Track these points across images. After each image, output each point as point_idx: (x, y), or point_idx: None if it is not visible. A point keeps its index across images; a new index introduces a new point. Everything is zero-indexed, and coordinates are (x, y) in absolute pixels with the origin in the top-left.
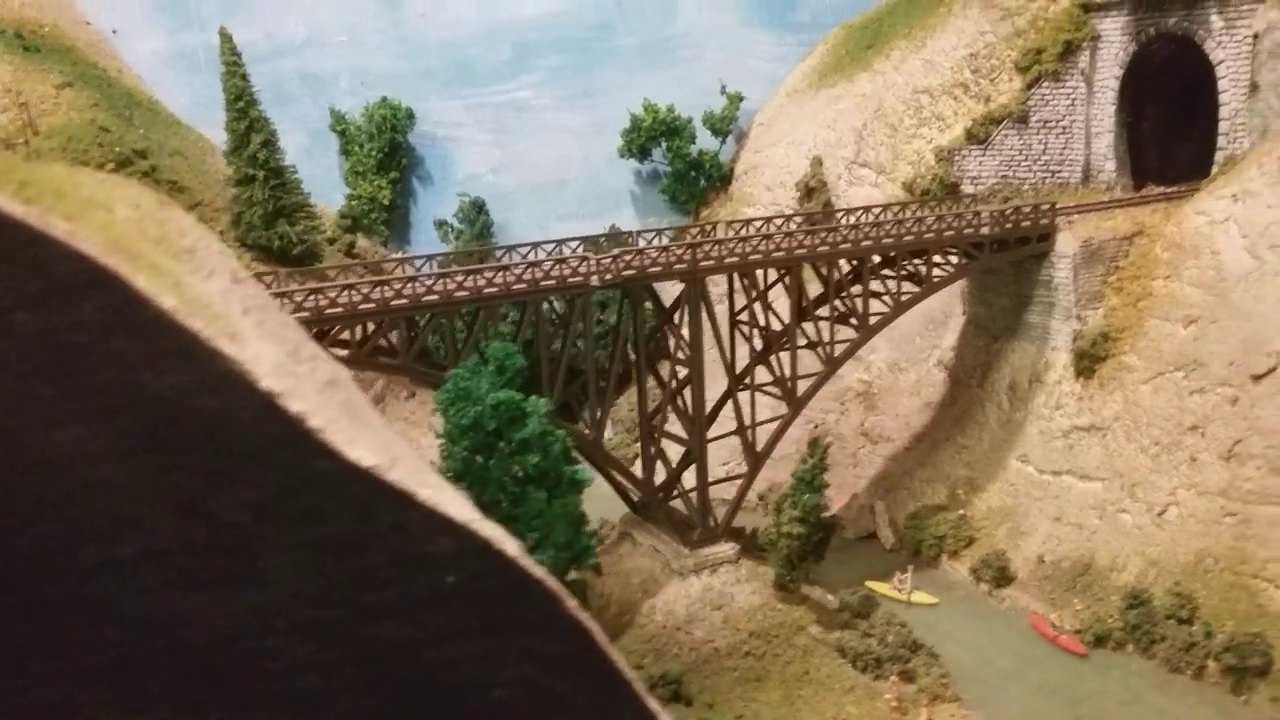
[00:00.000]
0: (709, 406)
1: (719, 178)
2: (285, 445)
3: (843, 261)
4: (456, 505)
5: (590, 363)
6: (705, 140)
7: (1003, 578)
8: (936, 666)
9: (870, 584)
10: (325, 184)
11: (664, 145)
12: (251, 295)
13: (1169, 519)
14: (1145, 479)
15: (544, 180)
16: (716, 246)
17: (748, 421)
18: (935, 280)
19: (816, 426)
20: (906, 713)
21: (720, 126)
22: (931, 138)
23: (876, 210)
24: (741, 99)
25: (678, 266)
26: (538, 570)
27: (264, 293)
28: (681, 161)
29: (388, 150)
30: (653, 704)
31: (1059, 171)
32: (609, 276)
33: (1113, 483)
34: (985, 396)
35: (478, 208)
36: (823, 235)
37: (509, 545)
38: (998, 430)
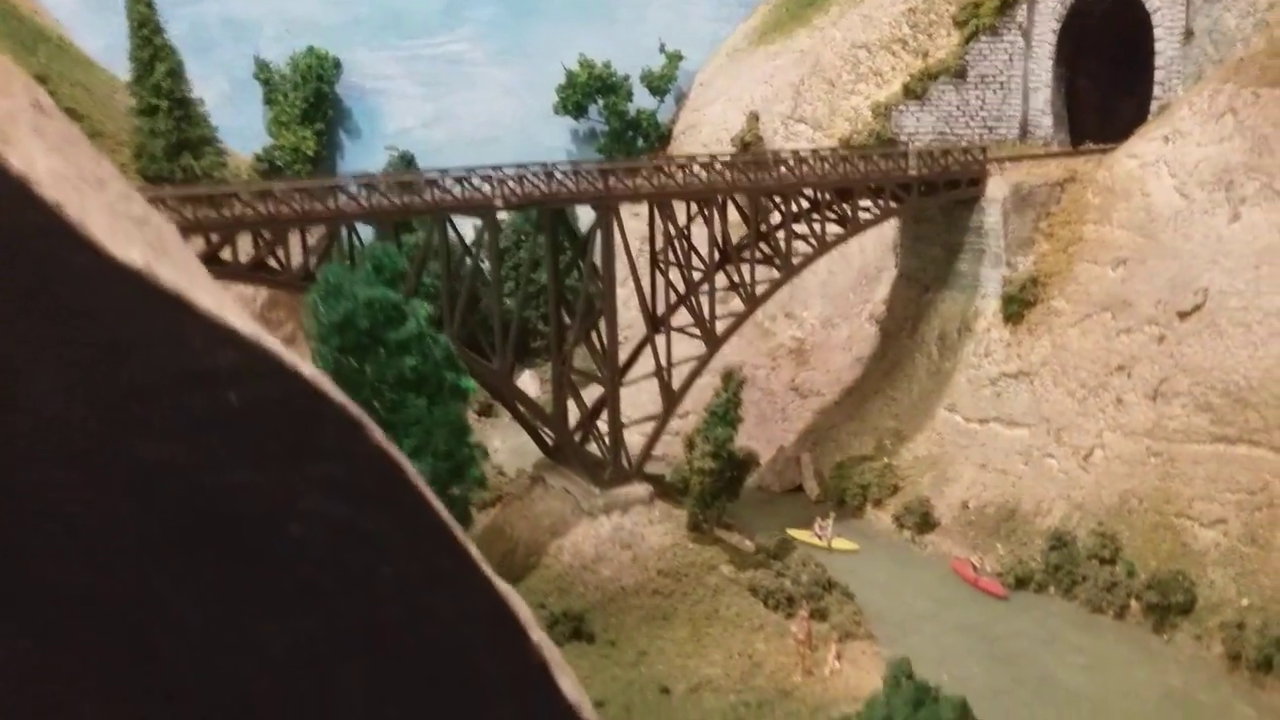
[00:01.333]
0: (632, 349)
1: (657, 137)
2: (40, 236)
3: (769, 206)
4: (243, 320)
5: (495, 293)
6: (644, 99)
7: (925, 524)
8: (850, 605)
9: (791, 531)
10: (248, 134)
11: (600, 103)
12: (60, 130)
13: (1094, 462)
14: (1072, 423)
15: (477, 136)
16: (632, 174)
17: (668, 363)
18: (862, 222)
19: (745, 381)
20: (815, 648)
21: (659, 85)
22: (869, 93)
23: (805, 153)
24: (681, 58)
25: (590, 191)
26: (338, 395)
27: (79, 136)
28: (618, 119)
29: (313, 100)
30: (471, 548)
31: (996, 127)
32: (515, 198)
33: (1039, 428)
34: (915, 348)
35: (407, 162)
36: (744, 169)
37: (304, 367)
38: (926, 381)
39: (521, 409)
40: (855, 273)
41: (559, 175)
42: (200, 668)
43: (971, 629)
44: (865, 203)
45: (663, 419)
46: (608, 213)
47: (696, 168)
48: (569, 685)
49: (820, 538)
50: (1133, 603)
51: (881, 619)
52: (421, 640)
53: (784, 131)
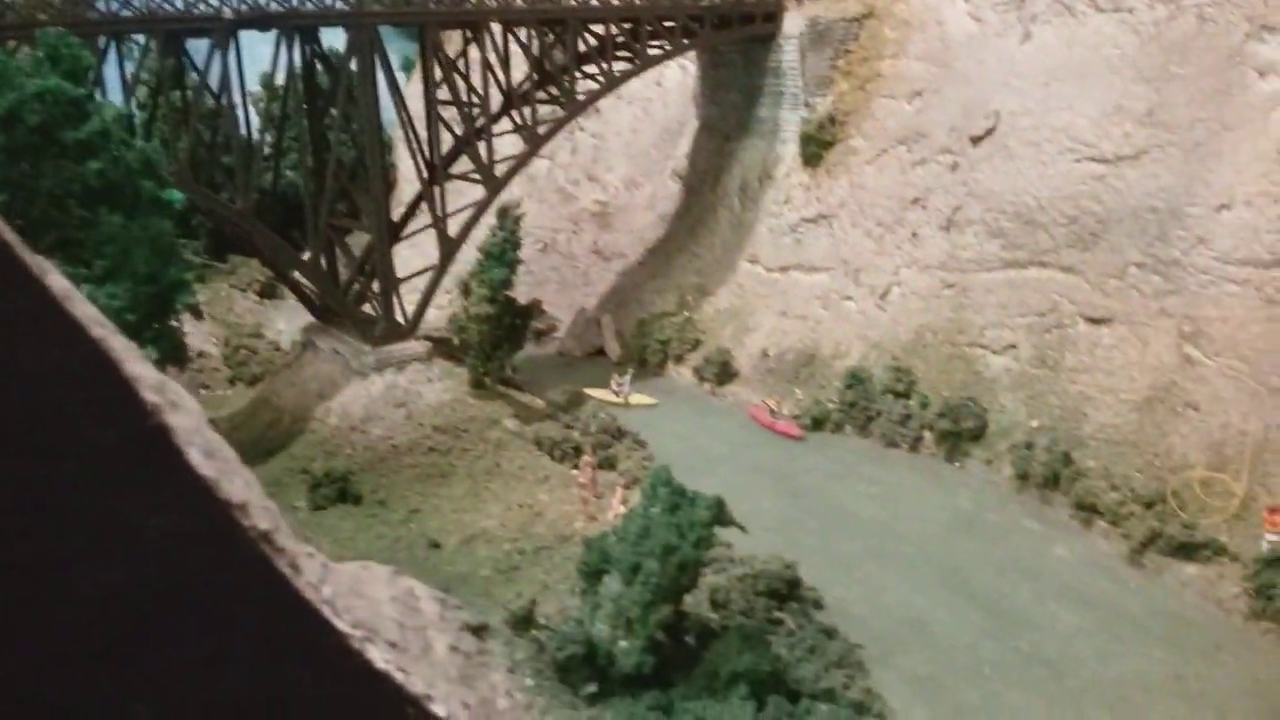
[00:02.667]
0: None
1: None
2: None
3: (553, 41)
4: None
5: (234, 123)
6: None
7: (725, 375)
8: (640, 451)
9: (590, 390)
10: None
11: None
12: None
13: (891, 300)
14: (870, 263)
15: None
16: None
17: (443, 210)
18: (652, 57)
19: (546, 247)
20: (601, 495)
21: None
22: None
23: None
24: None
25: (340, 7)
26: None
27: None
28: None
29: None
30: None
31: None
32: (247, 11)
33: (838, 271)
34: (718, 201)
35: None
36: None
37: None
38: (729, 234)
39: (289, 270)
40: (658, 129)
41: None
42: None
43: (766, 469)
44: (658, 39)
45: (439, 269)
46: (363, 35)
47: None
48: (238, 487)
49: (618, 394)
50: (926, 434)
51: (677, 464)
52: None
53: None
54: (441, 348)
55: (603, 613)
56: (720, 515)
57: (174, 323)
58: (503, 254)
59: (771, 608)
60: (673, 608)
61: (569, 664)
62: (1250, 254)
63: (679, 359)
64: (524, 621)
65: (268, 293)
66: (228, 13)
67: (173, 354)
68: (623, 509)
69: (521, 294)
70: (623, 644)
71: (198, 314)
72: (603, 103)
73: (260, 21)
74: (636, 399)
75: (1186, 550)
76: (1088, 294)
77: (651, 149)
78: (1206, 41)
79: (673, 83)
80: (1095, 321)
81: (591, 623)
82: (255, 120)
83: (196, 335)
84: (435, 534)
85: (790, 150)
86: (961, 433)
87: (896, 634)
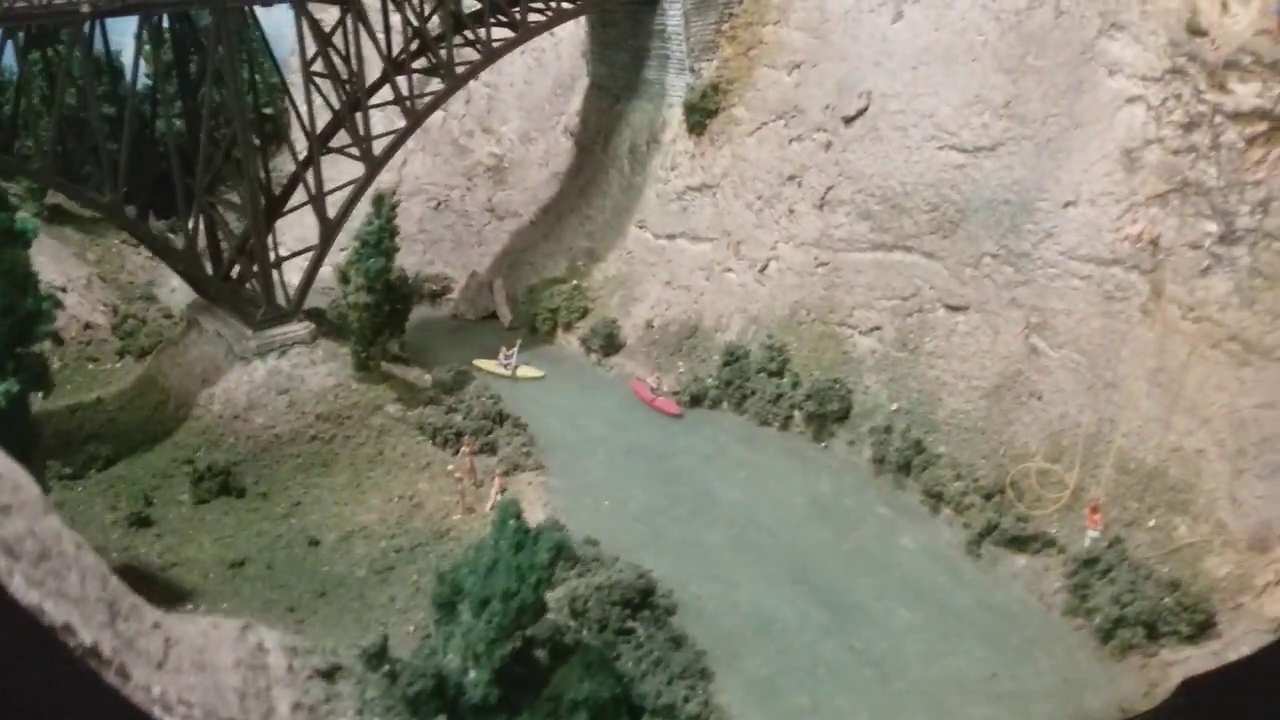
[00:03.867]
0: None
1: None
2: None
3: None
4: None
5: (94, 111)
6: None
7: (611, 346)
8: (520, 436)
9: (478, 362)
10: None
11: None
12: None
13: (770, 274)
14: (750, 235)
15: None
16: None
17: (319, 189)
18: (531, 25)
19: (440, 204)
20: (480, 484)
21: None
22: None
23: None
24: None
25: None
26: None
27: None
28: None
29: None
30: None
31: None
32: (105, 3)
33: (720, 242)
34: (609, 162)
35: None
36: None
37: None
38: (619, 197)
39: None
40: (551, 81)
41: None
42: None
43: (641, 450)
44: (540, 4)
45: (320, 250)
46: (228, 18)
47: None
48: (64, 607)
49: (505, 367)
50: (796, 413)
51: (556, 446)
52: None
53: None
54: (325, 323)
55: (454, 644)
56: (561, 555)
57: (36, 349)
58: (379, 242)
59: (625, 617)
60: (517, 642)
61: (419, 698)
62: (1093, 251)
63: (568, 327)
64: (377, 658)
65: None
66: (85, 7)
67: (35, 383)
68: (499, 498)
69: (416, 253)
70: (471, 675)
71: (87, 283)
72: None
73: (122, 12)
74: (524, 371)
75: (1019, 542)
76: (946, 281)
77: (545, 103)
78: (1063, 35)
79: (565, 32)
80: (953, 308)
81: (444, 653)
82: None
83: (84, 305)
84: (315, 529)
85: (676, 115)
86: (826, 414)
87: (744, 634)
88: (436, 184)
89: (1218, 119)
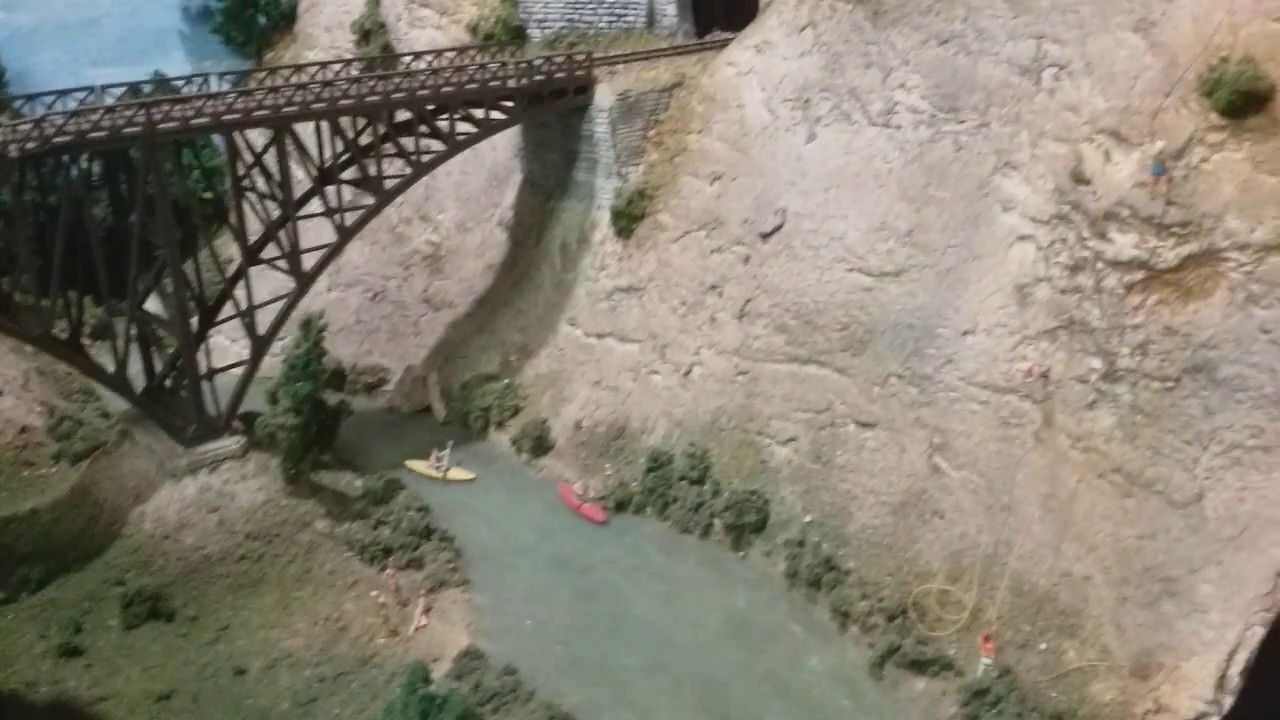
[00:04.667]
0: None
1: (280, 16)
2: None
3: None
4: None
5: (22, 240)
6: None
7: (540, 447)
8: (447, 551)
9: (410, 463)
10: None
11: None
12: None
13: (693, 379)
14: (675, 339)
15: (70, 19)
16: (174, 106)
17: (250, 303)
18: (460, 139)
19: (377, 295)
20: (407, 603)
21: None
22: None
23: (351, 65)
24: None
25: (128, 131)
26: None
27: None
28: None
29: None
30: None
31: (624, 15)
32: (32, 144)
33: (647, 344)
34: (541, 257)
35: None
36: (313, 89)
37: None
38: (551, 293)
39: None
40: (486, 173)
41: (86, 110)
42: None
43: (566, 562)
44: (479, 112)
45: (250, 366)
46: (152, 152)
47: (258, 96)
48: None
49: (437, 469)
50: (716, 522)
51: (483, 558)
52: None
53: (408, 17)
54: (255, 435)
55: None
56: None
57: None
58: (307, 364)
59: None
60: None
61: None
62: (989, 379)
63: (500, 425)
64: None
65: (100, 334)
66: (13, 150)
67: None
68: (425, 620)
69: (352, 343)
70: None
71: (24, 381)
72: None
73: (47, 153)
74: (455, 473)
75: (919, 665)
76: (856, 397)
77: (480, 194)
78: (962, 168)
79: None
80: (863, 424)
81: None
82: None
83: (20, 408)
84: (242, 656)
85: (606, 217)
86: (744, 525)
87: None
88: (373, 274)
89: (1099, 265)
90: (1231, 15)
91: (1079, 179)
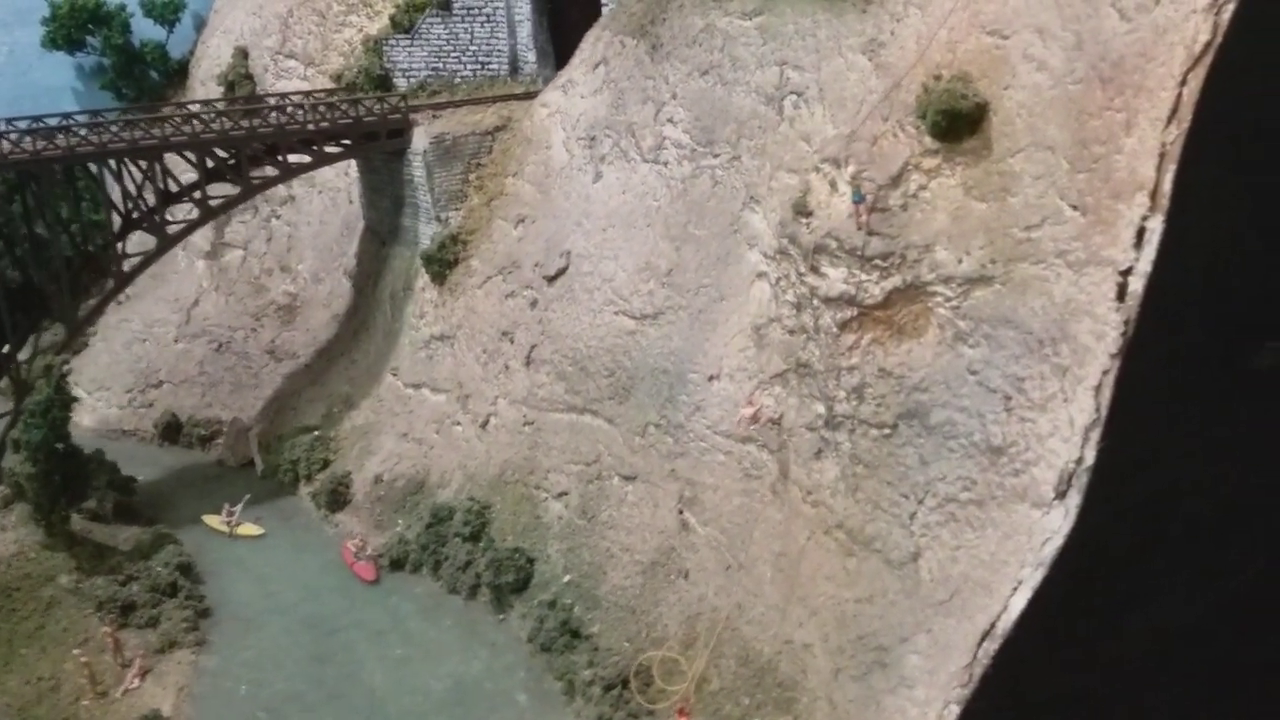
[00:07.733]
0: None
1: (171, 71)
2: None
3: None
4: None
5: None
6: (153, 30)
7: (338, 502)
8: (189, 609)
9: (206, 518)
10: None
11: (96, 35)
12: None
13: (489, 430)
14: (477, 389)
15: None
16: None
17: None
18: (255, 183)
19: (222, 346)
20: (129, 663)
21: (164, 14)
22: (361, 26)
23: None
24: None
25: None
26: None
27: None
28: (116, 53)
29: None
30: None
31: (488, 63)
32: None
33: (453, 394)
34: (376, 306)
35: None
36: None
37: None
38: (381, 342)
39: None
40: (341, 222)
41: None
42: None
43: (317, 623)
44: (298, 157)
45: (11, 417)
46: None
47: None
48: None
49: (227, 525)
50: (481, 582)
51: (233, 618)
52: None
53: (274, 68)
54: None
55: None
56: None
57: None
58: (46, 412)
59: None
60: None
61: None
62: (731, 427)
63: (308, 478)
64: None
65: None
66: None
67: None
68: (138, 683)
69: (195, 395)
70: None
71: None
72: (297, 189)
73: None
74: (244, 529)
75: None
76: (620, 448)
77: (333, 244)
78: (717, 204)
79: (357, 173)
80: (625, 477)
81: None
82: None
83: None
84: None
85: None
86: (503, 585)
87: None
88: (222, 325)
89: (815, 302)
90: (950, 31)
91: (800, 211)
